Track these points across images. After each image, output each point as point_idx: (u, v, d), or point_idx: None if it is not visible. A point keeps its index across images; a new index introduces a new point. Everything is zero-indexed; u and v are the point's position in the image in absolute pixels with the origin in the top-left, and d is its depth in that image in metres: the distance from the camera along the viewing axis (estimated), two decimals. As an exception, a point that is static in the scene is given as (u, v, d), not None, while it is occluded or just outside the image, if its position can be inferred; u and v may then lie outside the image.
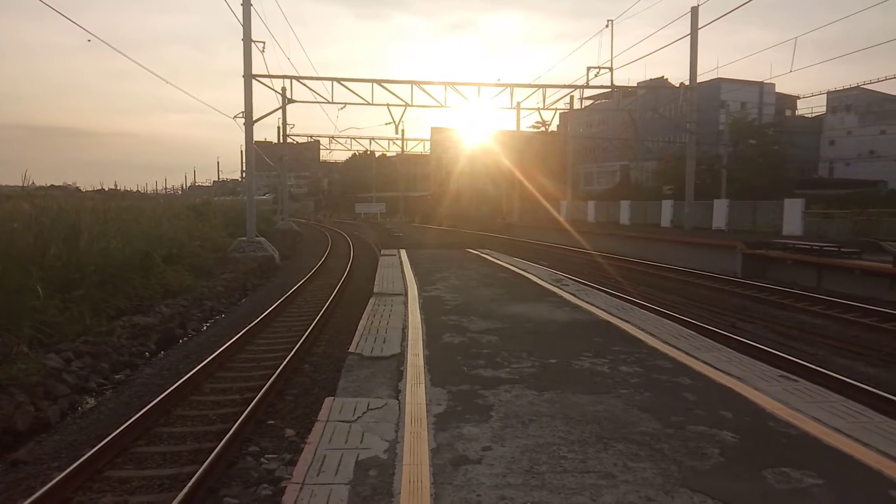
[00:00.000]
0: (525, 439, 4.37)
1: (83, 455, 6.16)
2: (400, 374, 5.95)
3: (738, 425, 4.68)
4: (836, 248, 19.44)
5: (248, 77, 26.31)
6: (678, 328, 8.43)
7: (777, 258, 21.29)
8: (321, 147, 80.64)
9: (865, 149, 61.52)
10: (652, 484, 3.70)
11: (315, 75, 29.25)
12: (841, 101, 65.75)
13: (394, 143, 60.58)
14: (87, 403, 8.72)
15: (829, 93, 67.53)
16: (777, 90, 65.55)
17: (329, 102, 29.37)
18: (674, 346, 7.17)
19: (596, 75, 30.97)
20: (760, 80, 56.32)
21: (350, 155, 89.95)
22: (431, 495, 3.53)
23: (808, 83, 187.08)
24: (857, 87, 63.35)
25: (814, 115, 71.01)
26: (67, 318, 11.26)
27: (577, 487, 3.65)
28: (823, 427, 4.63)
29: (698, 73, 30.87)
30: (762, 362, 6.81)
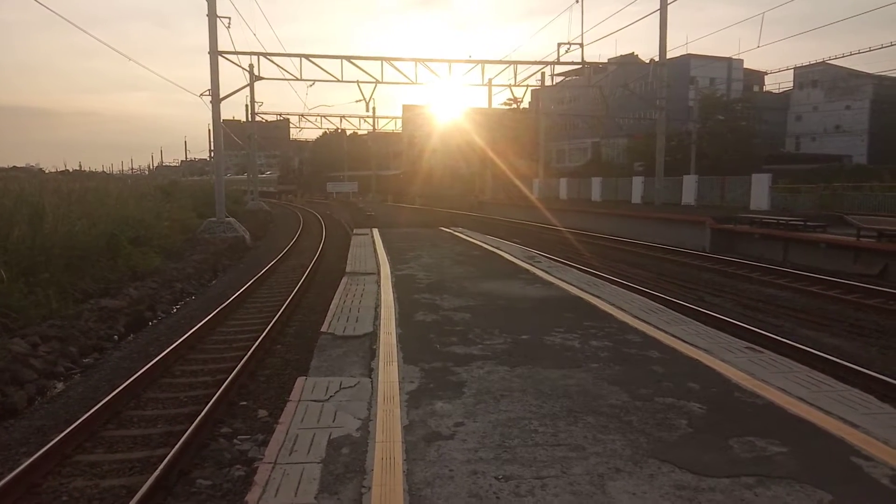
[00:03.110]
0: (497, 414, 4.41)
1: (52, 440, 6.07)
2: (372, 353, 5.94)
3: (705, 396, 4.77)
4: (802, 223, 19.81)
5: (214, 54, 25.79)
6: (648, 303, 8.55)
7: (745, 233, 21.63)
8: (291, 125, 79.66)
9: (831, 124, 62.53)
10: (621, 455, 3.76)
11: (283, 52, 28.77)
12: (807, 76, 66.51)
13: (365, 120, 60.12)
14: (55, 388, 8.58)
15: (795, 68, 68.29)
16: (745, 66, 66.22)
17: (298, 79, 28.93)
18: (643, 321, 7.27)
19: (567, 51, 30.89)
20: (729, 56, 56.94)
21: (320, 133, 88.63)
22: (404, 471, 3.55)
23: (775, 59, 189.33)
24: (824, 62, 64.14)
25: (781, 90, 71.86)
26: (33, 302, 11.05)
27: (548, 460, 3.69)
28: (788, 397, 4.74)
29: (668, 49, 31.02)
30: (729, 335, 6.94)
